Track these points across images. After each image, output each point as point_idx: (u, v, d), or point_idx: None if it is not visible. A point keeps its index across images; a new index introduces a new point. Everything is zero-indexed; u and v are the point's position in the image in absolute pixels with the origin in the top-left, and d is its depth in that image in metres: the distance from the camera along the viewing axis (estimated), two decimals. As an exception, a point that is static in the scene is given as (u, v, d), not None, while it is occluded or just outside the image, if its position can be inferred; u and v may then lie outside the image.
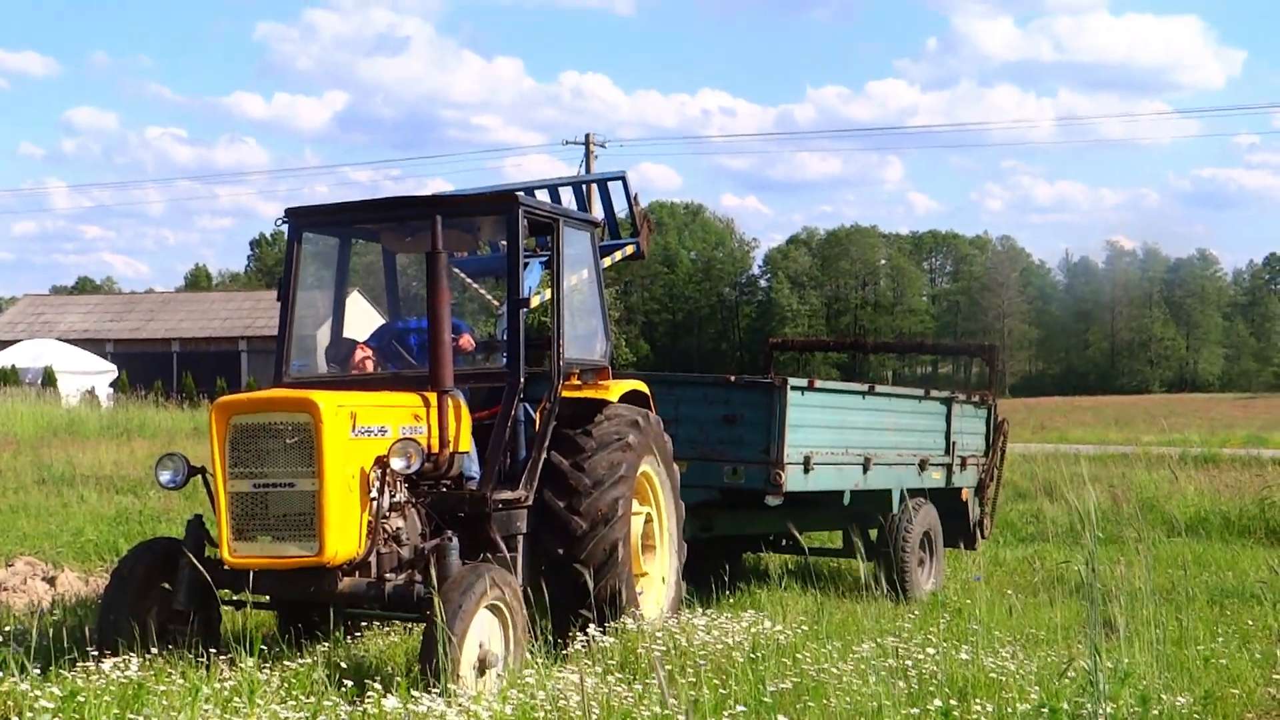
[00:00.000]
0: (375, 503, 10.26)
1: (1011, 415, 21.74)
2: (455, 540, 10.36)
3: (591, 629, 11.40)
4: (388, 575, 10.24)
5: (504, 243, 13.88)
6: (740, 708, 9.31)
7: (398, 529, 10.60)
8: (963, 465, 18.32)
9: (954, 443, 18.01)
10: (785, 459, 14.46)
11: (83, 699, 8.62)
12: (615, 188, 18.12)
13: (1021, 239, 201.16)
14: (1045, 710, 8.74)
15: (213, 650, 10.26)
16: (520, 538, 11.64)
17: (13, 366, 70.17)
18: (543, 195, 17.33)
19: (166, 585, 10.68)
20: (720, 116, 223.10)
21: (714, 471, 14.66)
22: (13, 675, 9.23)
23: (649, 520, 12.96)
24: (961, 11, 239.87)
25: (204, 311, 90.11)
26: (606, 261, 17.45)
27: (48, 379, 67.53)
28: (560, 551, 11.70)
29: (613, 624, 11.57)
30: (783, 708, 9.48)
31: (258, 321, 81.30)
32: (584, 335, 13.53)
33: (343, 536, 9.92)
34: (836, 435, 15.62)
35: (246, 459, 10.02)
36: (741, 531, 15.66)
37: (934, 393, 18.26)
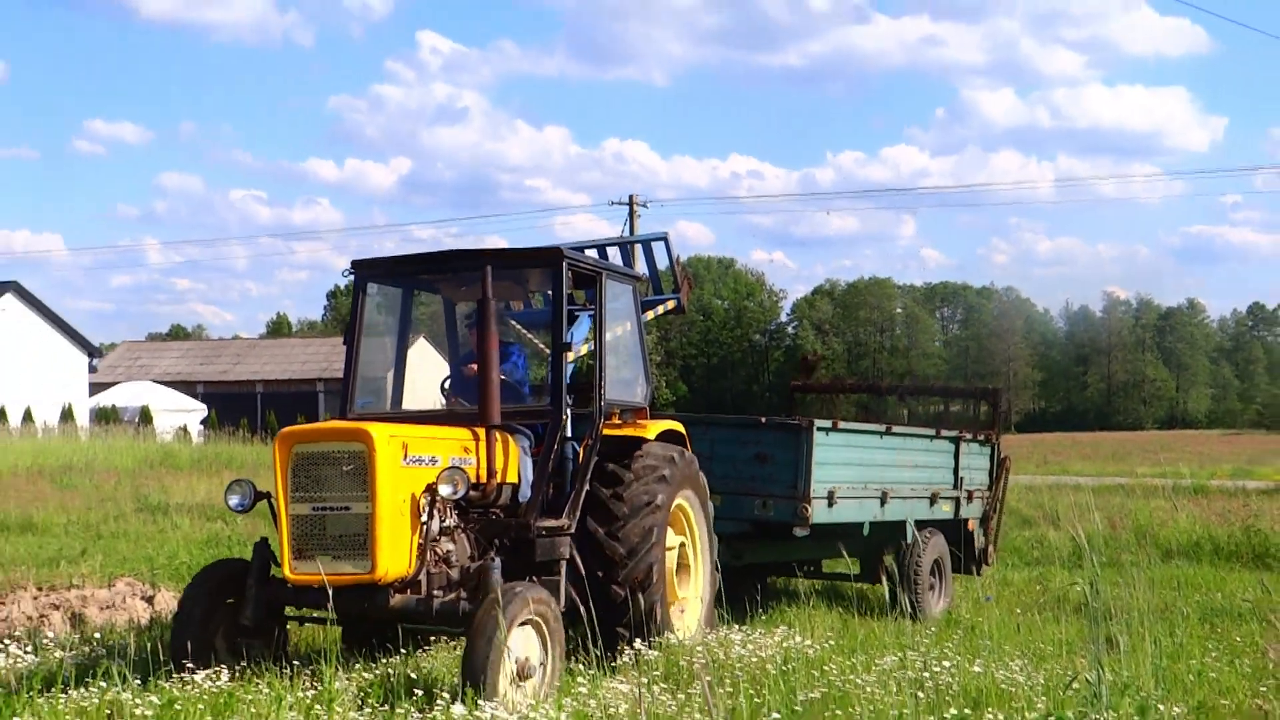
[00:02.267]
0: (425, 526, 10.17)
1: (1016, 450, 21.79)
2: (498, 561, 10.28)
3: (638, 644, 11.26)
4: (435, 593, 10.15)
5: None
6: (775, 715, 9.29)
7: (448, 551, 10.55)
8: (969, 498, 18.19)
9: (962, 478, 17.90)
10: (812, 494, 14.38)
11: (179, 707, 8.71)
12: (658, 247, 18.12)
13: (1025, 290, 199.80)
14: (1052, 718, 8.69)
15: (281, 663, 10.31)
16: (563, 562, 11.42)
17: (113, 406, 70.68)
18: (592, 254, 16.95)
19: (233, 602, 10.59)
20: (749, 179, 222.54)
21: (746, 505, 14.50)
22: (115, 685, 9.23)
23: (683, 547, 12.86)
24: (967, 84, 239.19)
25: (285, 356, 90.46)
26: (650, 315, 17.69)
27: (144, 417, 67.94)
28: (600, 574, 11.56)
29: (656, 640, 11.47)
30: (812, 715, 9.46)
31: (333, 364, 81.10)
32: (626, 379, 13.38)
33: (394, 556, 9.86)
34: (857, 472, 15.50)
35: (306, 484, 9.96)
36: (770, 559, 15.53)
37: (944, 432, 18.04)
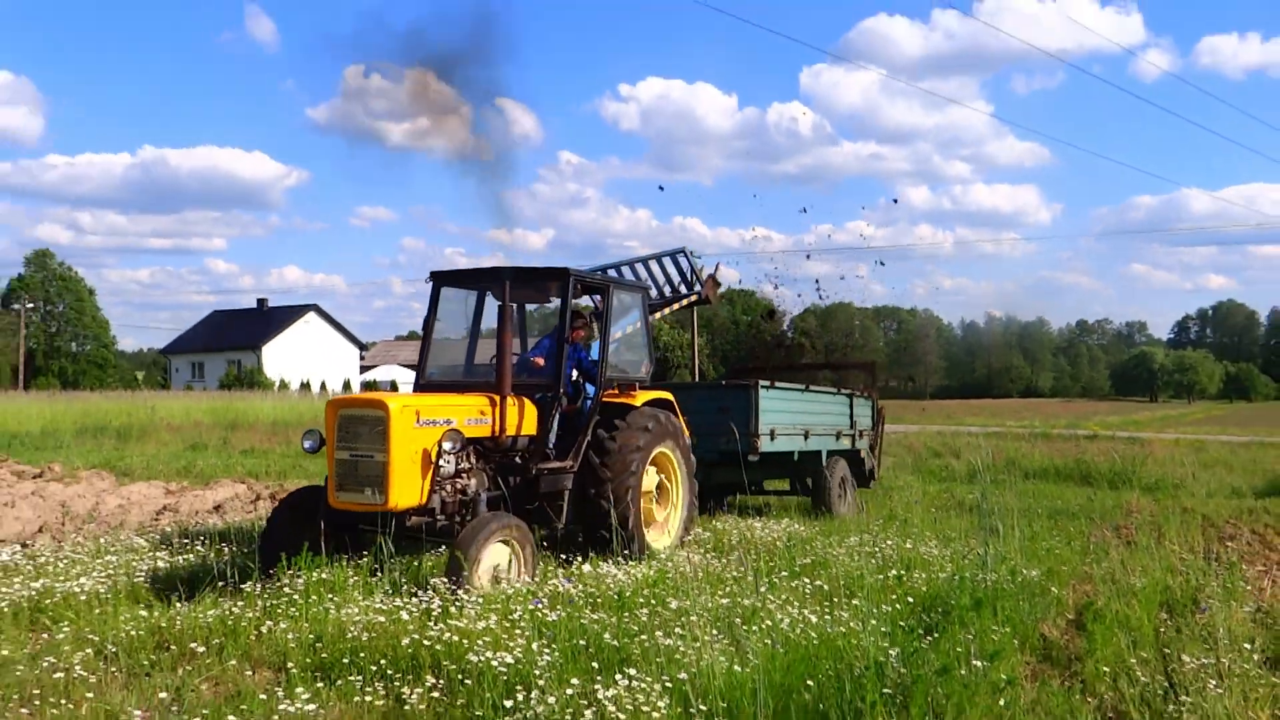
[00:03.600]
0: (436, 468, 9.12)
1: (931, 410, 21.46)
2: (484, 494, 9.50)
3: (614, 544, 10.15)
4: (439, 517, 9.22)
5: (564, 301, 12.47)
6: (783, 572, 9.36)
7: (464, 485, 9.56)
8: (861, 435, 17.63)
9: (855, 421, 17.41)
10: (760, 431, 14.00)
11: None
12: (680, 259, 17.90)
13: (936, 310, 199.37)
14: (956, 577, 8.67)
15: (345, 559, 9.18)
16: (567, 492, 10.38)
17: (374, 380, 72.14)
18: (640, 267, 17.22)
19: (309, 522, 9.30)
20: (762, 241, 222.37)
21: (715, 442, 13.71)
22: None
23: (664, 483, 11.66)
24: (899, 182, 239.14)
25: (478, 347, 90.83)
26: (677, 306, 17.66)
27: (392, 386, 69.02)
28: (592, 491, 10.46)
29: (629, 544, 10.37)
30: (806, 572, 9.49)
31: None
32: (631, 361, 12.19)
33: (405, 492, 8.89)
34: (790, 416, 15.02)
35: (346, 437, 9.04)
36: (731, 480, 14.39)
37: (842, 390, 17.62)
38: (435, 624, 7.19)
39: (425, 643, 6.87)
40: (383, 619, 7.35)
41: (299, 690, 6.23)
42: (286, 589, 8.12)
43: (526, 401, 10.43)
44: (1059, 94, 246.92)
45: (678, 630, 6.91)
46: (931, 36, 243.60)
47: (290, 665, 6.83)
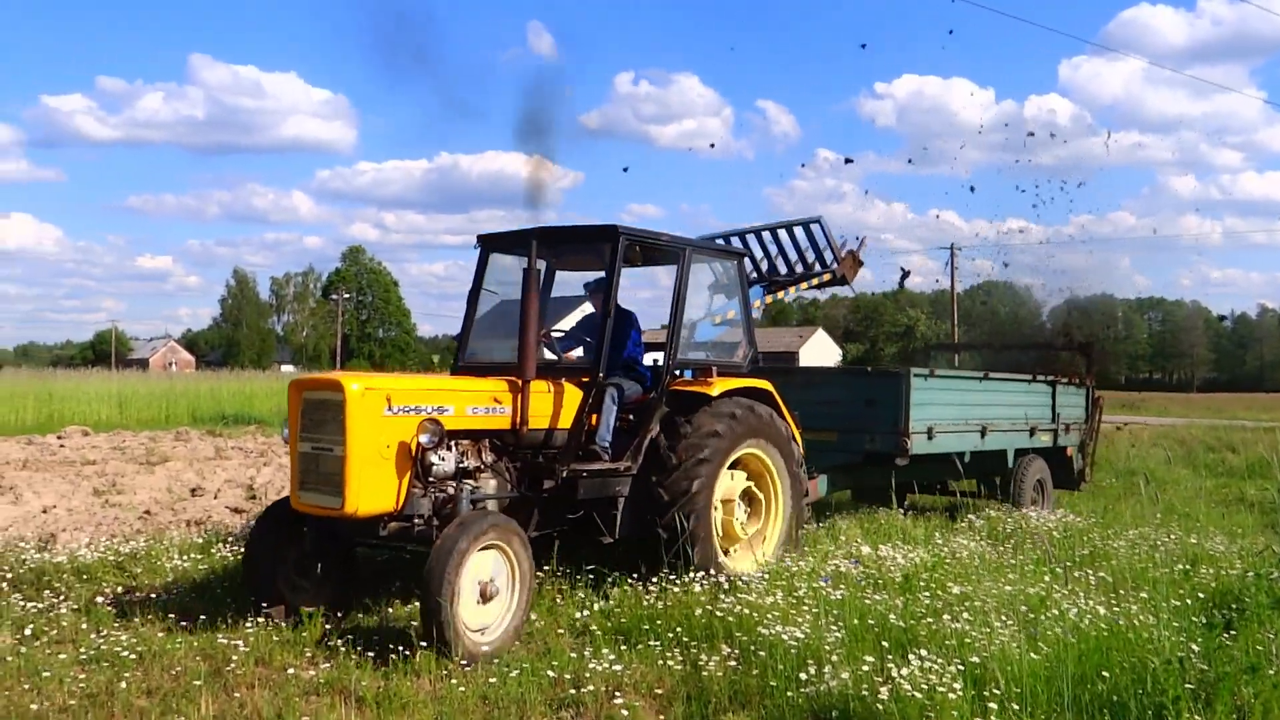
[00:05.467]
0: (423, 466, 7.14)
1: (1199, 406, 19.74)
2: (466, 491, 7.39)
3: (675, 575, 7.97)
4: (416, 521, 7.17)
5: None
6: (1066, 562, 9.02)
7: (474, 488, 7.61)
8: (1067, 430, 14.71)
9: (1059, 414, 14.49)
10: (910, 429, 11.45)
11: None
12: (815, 229, 15.05)
13: (1204, 301, 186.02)
14: (1251, 574, 8.12)
15: (345, 585, 7.85)
16: (621, 499, 8.28)
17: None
18: (764, 236, 14.82)
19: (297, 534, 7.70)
20: (1019, 235, 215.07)
21: (859, 440, 11.68)
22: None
23: (755, 490, 9.16)
24: (1163, 172, 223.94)
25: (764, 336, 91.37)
26: (804, 286, 15.11)
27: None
28: (649, 516, 8.28)
29: (700, 573, 7.98)
30: (1087, 562, 9.13)
31: (770, 344, 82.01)
32: (728, 344, 10.10)
33: (367, 494, 6.87)
34: (957, 410, 12.43)
35: (309, 425, 7.15)
36: (884, 483, 11.85)
37: (1040, 377, 14.49)
38: (725, 597, 7.37)
39: (718, 614, 7.04)
40: (678, 589, 7.60)
41: (604, 651, 6.55)
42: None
43: (569, 387, 8.36)
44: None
45: (965, 615, 6.78)
46: (1197, 23, 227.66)
47: (593, 628, 7.14)
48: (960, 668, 5.75)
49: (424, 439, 7.00)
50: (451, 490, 7.36)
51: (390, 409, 7.02)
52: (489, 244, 9.22)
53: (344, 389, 6.85)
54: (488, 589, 6.80)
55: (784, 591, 7.55)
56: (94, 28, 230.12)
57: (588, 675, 6.17)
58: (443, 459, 7.32)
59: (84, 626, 7.19)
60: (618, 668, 6.27)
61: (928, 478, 13.42)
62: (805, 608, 7.09)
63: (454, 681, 6.09)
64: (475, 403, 7.69)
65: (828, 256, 15.11)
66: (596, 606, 7.65)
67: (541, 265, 9.40)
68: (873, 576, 8.29)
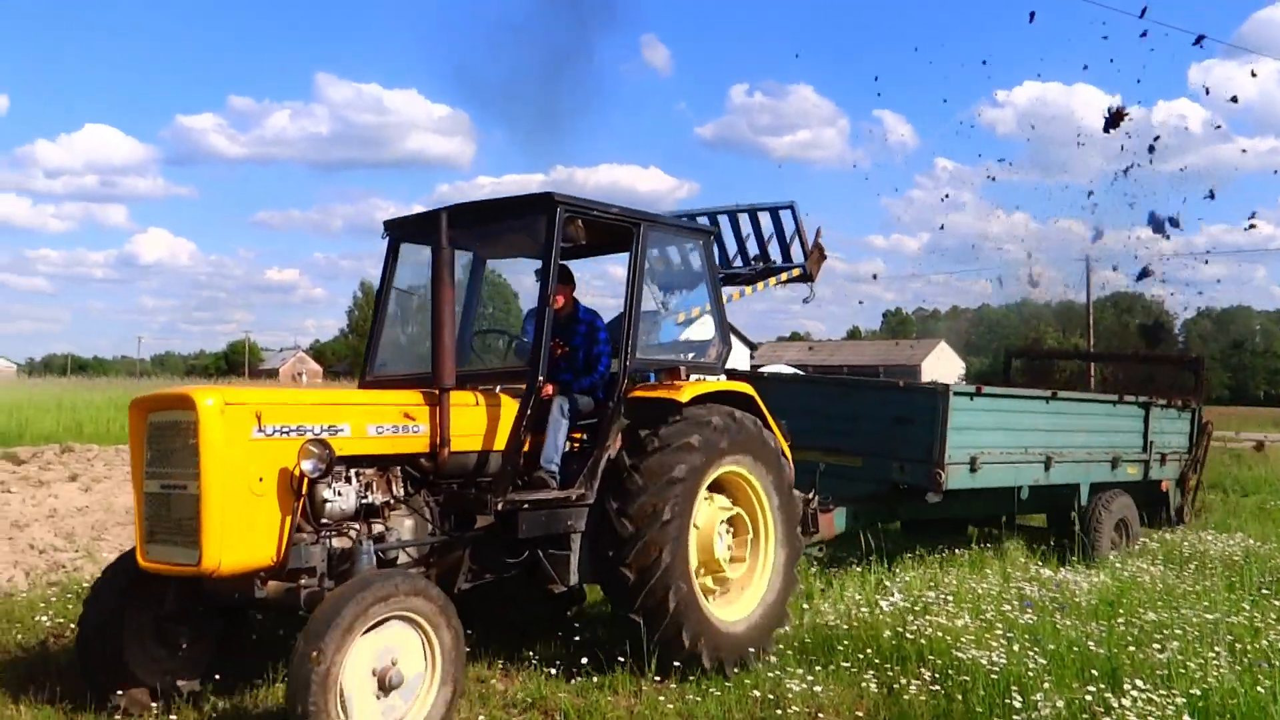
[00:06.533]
0: (313, 505, 5.57)
1: None
2: (369, 544, 5.69)
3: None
4: (303, 580, 5.44)
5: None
6: (1263, 589, 8.65)
7: (382, 531, 5.98)
8: (1163, 461, 12.26)
9: (1152, 441, 12.00)
10: (947, 459, 9.17)
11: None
12: (785, 215, 13.20)
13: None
14: None
15: (225, 655, 6.17)
16: (578, 535, 6.63)
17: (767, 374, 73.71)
18: (739, 219, 13.20)
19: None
20: (1147, 242, 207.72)
21: (885, 467, 9.52)
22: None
23: (741, 518, 7.24)
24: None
25: (858, 349, 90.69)
26: (773, 281, 13.33)
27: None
28: (610, 553, 6.55)
29: (670, 628, 6.46)
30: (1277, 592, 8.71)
31: (890, 358, 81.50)
32: (698, 342, 8.38)
33: (231, 545, 5.20)
34: (1011, 436, 10.08)
35: (156, 458, 5.47)
36: (922, 517, 10.23)
37: (1128, 398, 12.04)
38: (914, 619, 7.23)
39: (908, 636, 6.91)
40: (865, 610, 7.48)
41: (798, 670, 6.49)
42: None
43: (504, 399, 6.67)
44: None
45: (1172, 644, 6.54)
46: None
47: (781, 648, 7.08)
48: (1181, 700, 5.54)
49: (307, 466, 5.35)
50: (354, 534, 5.78)
51: (261, 430, 5.39)
52: (398, 231, 7.36)
53: (195, 405, 5.22)
54: (387, 676, 5.12)
55: (971, 614, 7.39)
56: (225, 49, 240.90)
57: (789, 696, 6.11)
58: (339, 494, 5.74)
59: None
60: (817, 689, 6.20)
61: (977, 514, 11.36)
62: (998, 631, 6.92)
63: (661, 698, 6.08)
64: (379, 420, 5.99)
65: (795, 250, 13.22)
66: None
67: (467, 254, 7.83)
68: (1057, 601, 8.07)
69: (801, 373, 13.49)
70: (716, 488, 7.15)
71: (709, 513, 7.02)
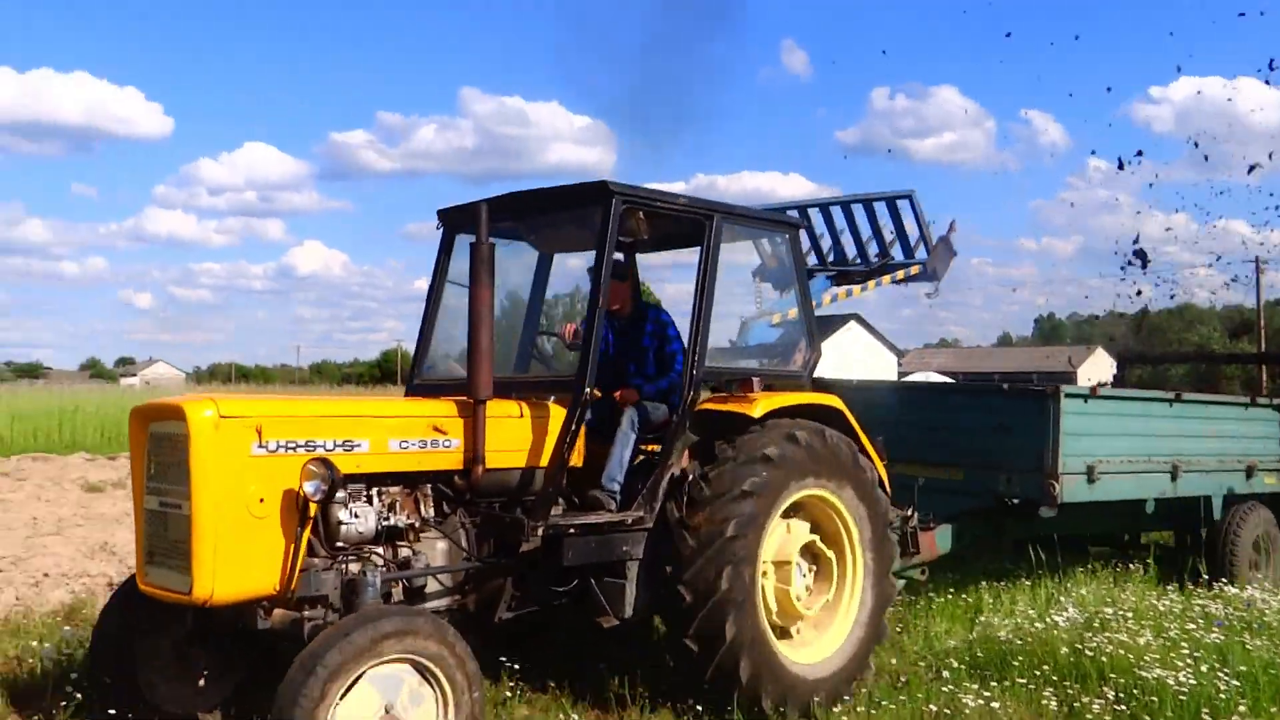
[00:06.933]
0: (327, 528, 5.06)
1: None
2: (374, 574, 5.03)
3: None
4: (306, 610, 4.90)
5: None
6: None
7: (409, 556, 5.40)
8: None
9: None
10: (1061, 469, 8.17)
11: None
12: (904, 205, 12.14)
13: None
14: None
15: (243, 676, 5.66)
16: (634, 564, 5.91)
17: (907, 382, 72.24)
18: (851, 211, 12.28)
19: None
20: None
21: (989, 480, 8.51)
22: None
23: (818, 547, 6.34)
24: None
25: (1006, 356, 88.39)
26: (886, 279, 12.35)
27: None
28: (669, 570, 5.83)
29: (734, 666, 5.70)
30: None
31: (1045, 364, 79.20)
32: (785, 344, 7.81)
33: (226, 572, 4.63)
34: (1135, 443, 9.02)
35: (156, 472, 4.97)
36: (1037, 534, 9.09)
37: (1260, 399, 10.77)
38: (1092, 635, 6.98)
39: (1087, 653, 6.68)
40: (1039, 625, 7.27)
41: (972, 685, 6.33)
42: None
43: (555, 410, 5.94)
44: None
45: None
46: None
47: (952, 662, 6.91)
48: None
49: (309, 488, 4.81)
50: (375, 560, 5.25)
51: (262, 445, 4.83)
52: (453, 221, 6.60)
53: (187, 417, 4.67)
54: None
55: (1153, 632, 7.09)
56: (374, 67, 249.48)
57: (965, 712, 5.96)
58: (356, 515, 5.19)
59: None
60: (994, 705, 6.03)
61: (1096, 530, 10.33)
62: (1183, 650, 6.63)
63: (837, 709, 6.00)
64: (403, 434, 5.40)
65: (916, 243, 12.17)
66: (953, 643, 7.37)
67: (533, 252, 7.14)
68: (1244, 620, 7.68)
69: (951, 380, 12.47)
70: (799, 513, 6.34)
71: (786, 538, 6.22)
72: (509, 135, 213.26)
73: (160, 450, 4.92)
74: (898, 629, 7.78)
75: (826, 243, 13.36)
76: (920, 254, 12.55)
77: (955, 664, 6.85)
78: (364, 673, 4.43)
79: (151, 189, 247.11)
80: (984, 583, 8.92)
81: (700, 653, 5.72)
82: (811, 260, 14.00)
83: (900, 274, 12.44)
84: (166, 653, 5.43)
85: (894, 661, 7.06)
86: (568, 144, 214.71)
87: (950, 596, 8.35)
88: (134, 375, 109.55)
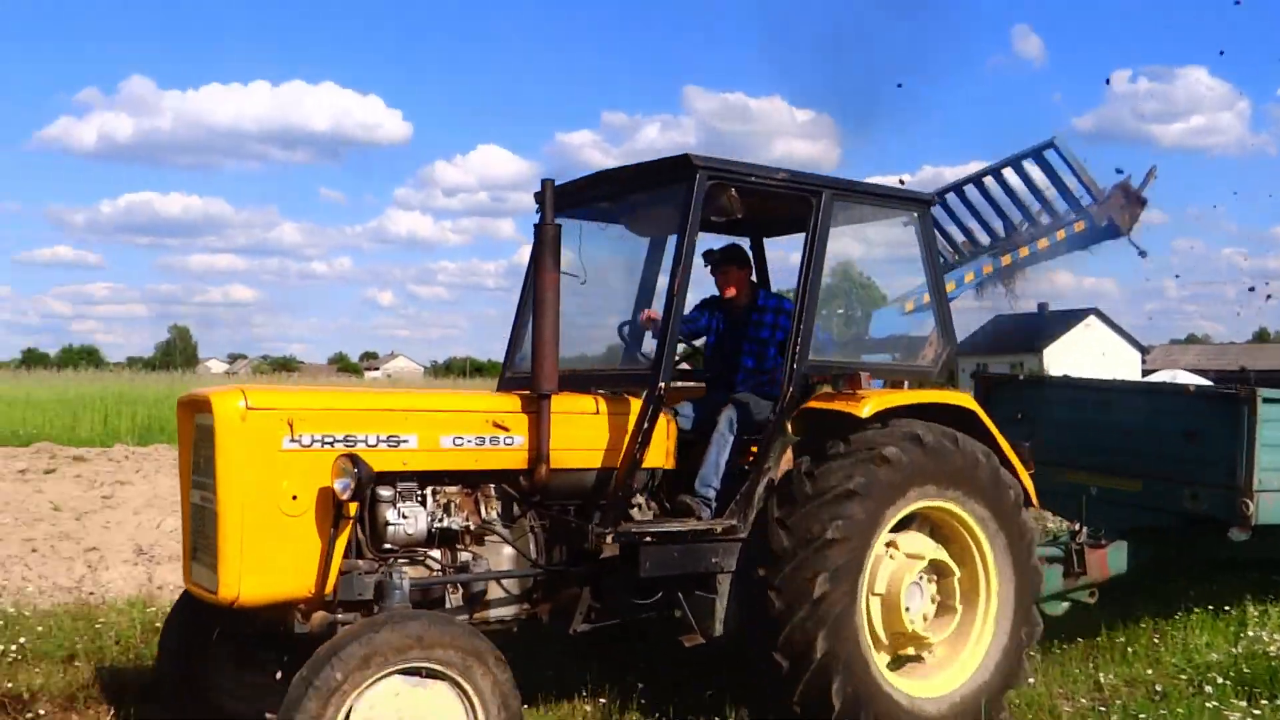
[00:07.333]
0: (362, 525, 4.71)
1: None
2: (399, 575, 4.63)
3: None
4: (340, 615, 4.53)
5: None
6: None
7: (468, 561, 4.96)
8: None
9: None
10: (1256, 485, 6.88)
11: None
12: (1051, 156, 10.52)
13: None
14: None
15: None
16: (726, 577, 5.30)
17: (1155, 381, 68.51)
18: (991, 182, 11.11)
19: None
20: None
21: (1172, 494, 7.28)
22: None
23: (946, 568, 5.55)
24: None
25: (1262, 352, 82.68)
26: (1042, 243, 11.03)
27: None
28: (761, 573, 5.18)
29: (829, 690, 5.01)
30: None
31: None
32: (914, 339, 6.80)
33: (253, 572, 4.36)
34: None
35: (200, 465, 4.72)
36: (1225, 556, 7.80)
37: None
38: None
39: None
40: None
41: (1239, 702, 5.96)
42: None
43: (635, 405, 5.30)
44: None
45: None
46: None
47: (1215, 676, 6.51)
48: None
49: (339, 486, 4.45)
50: (434, 563, 4.91)
51: (295, 439, 4.53)
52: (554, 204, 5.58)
53: (213, 408, 4.43)
54: None
55: None
56: (599, 68, 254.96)
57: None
58: (404, 516, 4.81)
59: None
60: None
61: None
62: None
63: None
64: (458, 429, 4.98)
65: (1080, 194, 11.04)
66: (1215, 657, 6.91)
67: (618, 228, 6.51)
68: None
69: (1206, 381, 11.17)
70: (924, 528, 5.67)
71: (904, 550, 5.51)
72: (732, 131, 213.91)
73: (200, 442, 4.70)
74: (1154, 639, 7.33)
75: (992, 219, 12.53)
76: (1086, 201, 11.54)
77: (1219, 679, 6.44)
78: (370, 684, 4.07)
79: (393, 191, 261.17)
80: (1248, 595, 8.32)
81: (788, 670, 5.07)
82: (984, 239, 13.67)
83: (1060, 234, 11.33)
84: (237, 654, 5.17)
85: (1149, 672, 6.71)
86: (791, 138, 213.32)
87: (1209, 609, 7.81)
88: (377, 369, 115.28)
